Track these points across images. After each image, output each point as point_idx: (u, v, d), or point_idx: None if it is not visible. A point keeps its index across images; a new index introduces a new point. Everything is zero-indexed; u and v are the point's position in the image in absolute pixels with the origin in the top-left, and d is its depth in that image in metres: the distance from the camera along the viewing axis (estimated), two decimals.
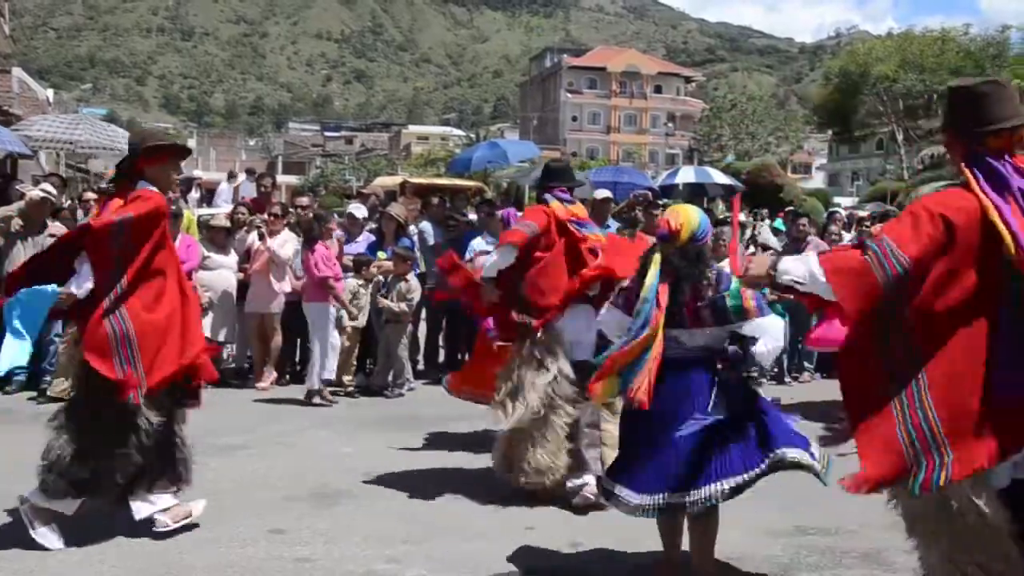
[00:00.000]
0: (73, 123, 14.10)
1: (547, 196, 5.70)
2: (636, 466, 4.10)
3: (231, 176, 18.82)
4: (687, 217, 4.16)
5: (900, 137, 45.87)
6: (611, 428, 5.16)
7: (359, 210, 9.79)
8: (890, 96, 45.09)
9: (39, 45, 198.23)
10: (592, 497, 5.04)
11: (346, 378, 8.76)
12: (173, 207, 9.37)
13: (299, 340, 9.39)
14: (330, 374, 8.36)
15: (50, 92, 39.67)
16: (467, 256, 9.25)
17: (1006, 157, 3.17)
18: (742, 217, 12.62)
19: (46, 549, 4.38)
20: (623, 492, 4.08)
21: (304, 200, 9.80)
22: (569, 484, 5.30)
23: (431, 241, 9.75)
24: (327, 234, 8.73)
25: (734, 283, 4.12)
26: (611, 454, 4.90)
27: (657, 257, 4.11)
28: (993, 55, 44.33)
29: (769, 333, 4.15)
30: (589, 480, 5.12)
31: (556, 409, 5.36)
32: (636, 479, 4.06)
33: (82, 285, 4.40)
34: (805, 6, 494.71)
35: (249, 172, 19.29)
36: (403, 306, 8.72)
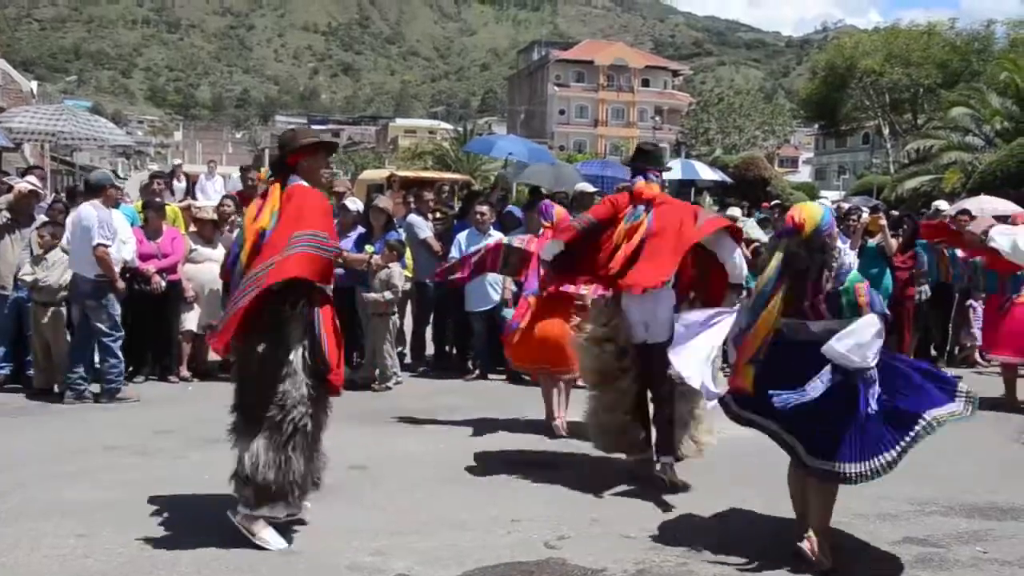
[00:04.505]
0: (56, 114, 13.92)
1: (640, 177, 5.80)
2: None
3: (211, 163, 18.74)
4: (810, 212, 4.45)
5: (886, 131, 46.00)
6: None
7: (353, 203, 9.74)
8: (876, 90, 45.18)
9: (23, 37, 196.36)
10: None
11: None
12: (157, 199, 9.37)
13: None
14: None
15: (34, 84, 39.43)
16: (454, 250, 9.26)
17: None
18: (736, 212, 12.61)
19: (49, 547, 4.37)
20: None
21: None
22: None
23: (421, 235, 9.72)
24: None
25: (851, 276, 4.40)
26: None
27: (779, 253, 4.40)
28: (978, 49, 44.40)
29: (855, 333, 4.27)
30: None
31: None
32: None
33: None
34: (786, 1, 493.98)
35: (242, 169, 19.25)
36: (387, 295, 8.68)
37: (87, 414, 7.43)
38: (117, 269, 7.77)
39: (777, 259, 4.38)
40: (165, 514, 4.89)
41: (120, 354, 7.88)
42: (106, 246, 7.60)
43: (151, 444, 6.41)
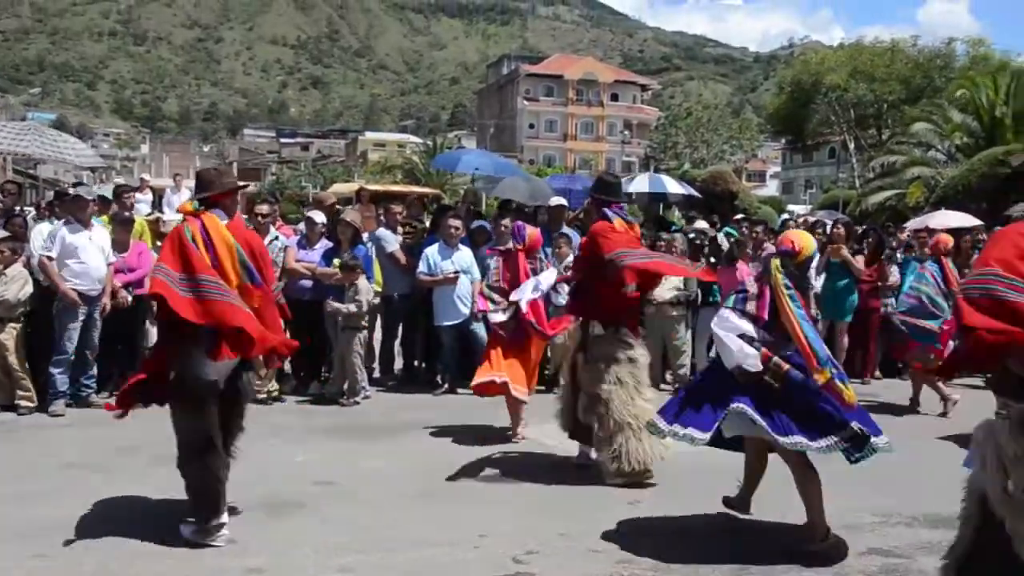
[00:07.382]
0: (22, 132, 13.70)
1: (607, 212, 6.20)
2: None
3: (177, 177, 18.69)
4: (807, 242, 4.96)
5: (852, 146, 46.60)
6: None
7: (318, 216, 9.69)
8: (842, 105, 45.76)
9: None
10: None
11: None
12: (126, 213, 9.27)
13: None
14: None
15: None
16: (422, 264, 9.24)
17: None
18: (704, 224, 12.68)
19: (6, 569, 4.31)
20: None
21: (264, 208, 9.54)
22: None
23: (387, 248, 9.69)
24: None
25: None
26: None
27: (778, 270, 4.74)
28: (940, 66, 45.24)
29: None
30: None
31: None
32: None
33: None
34: (750, 16, 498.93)
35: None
36: (351, 307, 8.62)
37: (47, 432, 7.31)
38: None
39: (781, 274, 4.72)
40: (127, 534, 4.80)
41: (56, 370, 7.85)
42: (50, 258, 7.84)
43: (113, 462, 6.31)
